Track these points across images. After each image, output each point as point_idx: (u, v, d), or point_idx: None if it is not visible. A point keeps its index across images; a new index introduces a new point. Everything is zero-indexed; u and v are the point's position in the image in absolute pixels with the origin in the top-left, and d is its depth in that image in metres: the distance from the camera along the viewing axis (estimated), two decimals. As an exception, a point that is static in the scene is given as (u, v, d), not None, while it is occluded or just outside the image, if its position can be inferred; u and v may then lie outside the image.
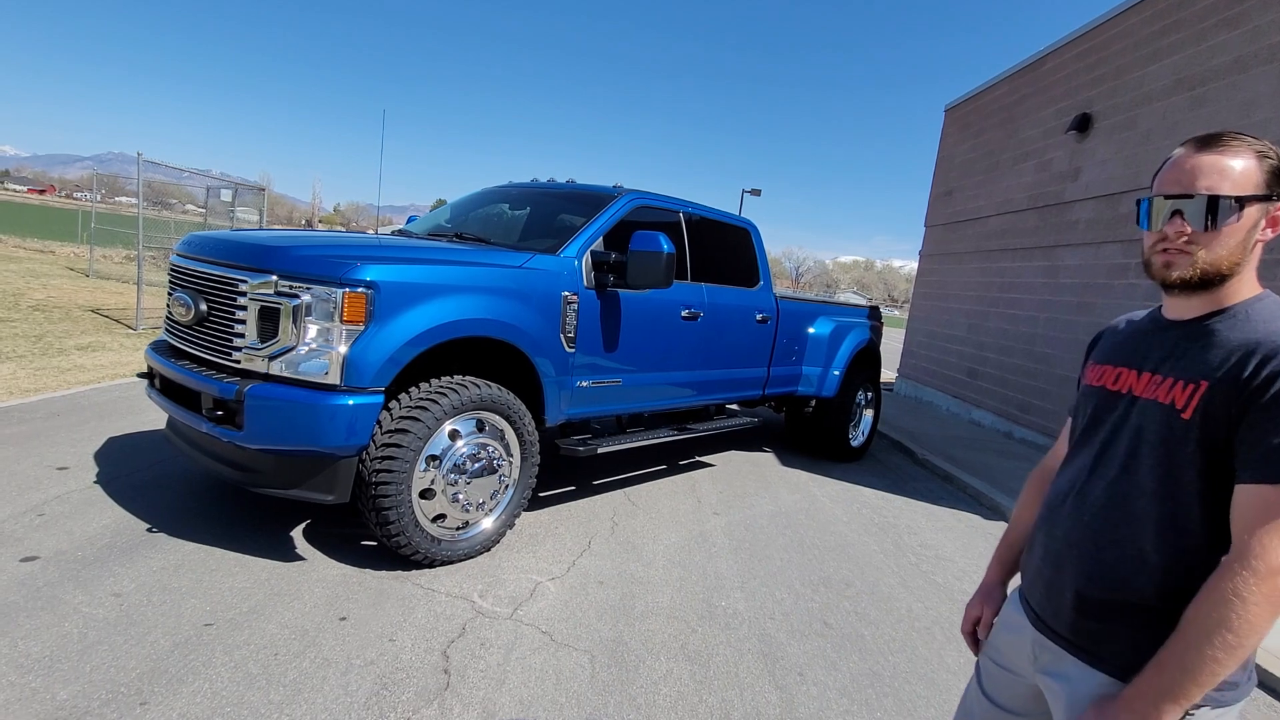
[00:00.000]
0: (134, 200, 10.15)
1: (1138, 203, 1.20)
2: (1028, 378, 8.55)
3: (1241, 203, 1.10)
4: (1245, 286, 1.14)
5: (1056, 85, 8.76)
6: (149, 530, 3.31)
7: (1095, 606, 1.17)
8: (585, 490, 4.73)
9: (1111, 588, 1.15)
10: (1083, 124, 7.95)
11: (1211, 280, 1.13)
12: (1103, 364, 1.29)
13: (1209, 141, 1.14)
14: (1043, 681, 1.27)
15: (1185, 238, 1.12)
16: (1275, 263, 5.36)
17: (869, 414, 6.94)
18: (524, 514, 4.01)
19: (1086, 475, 1.23)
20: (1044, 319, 8.35)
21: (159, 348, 3.56)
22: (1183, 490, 1.09)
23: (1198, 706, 1.06)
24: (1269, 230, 1.13)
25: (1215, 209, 1.10)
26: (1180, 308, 1.20)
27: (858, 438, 6.75)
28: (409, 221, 5.40)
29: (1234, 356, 1.06)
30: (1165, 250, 1.15)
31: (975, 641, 1.52)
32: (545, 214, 4.71)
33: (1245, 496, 1.02)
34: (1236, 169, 1.11)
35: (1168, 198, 1.14)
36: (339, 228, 41.13)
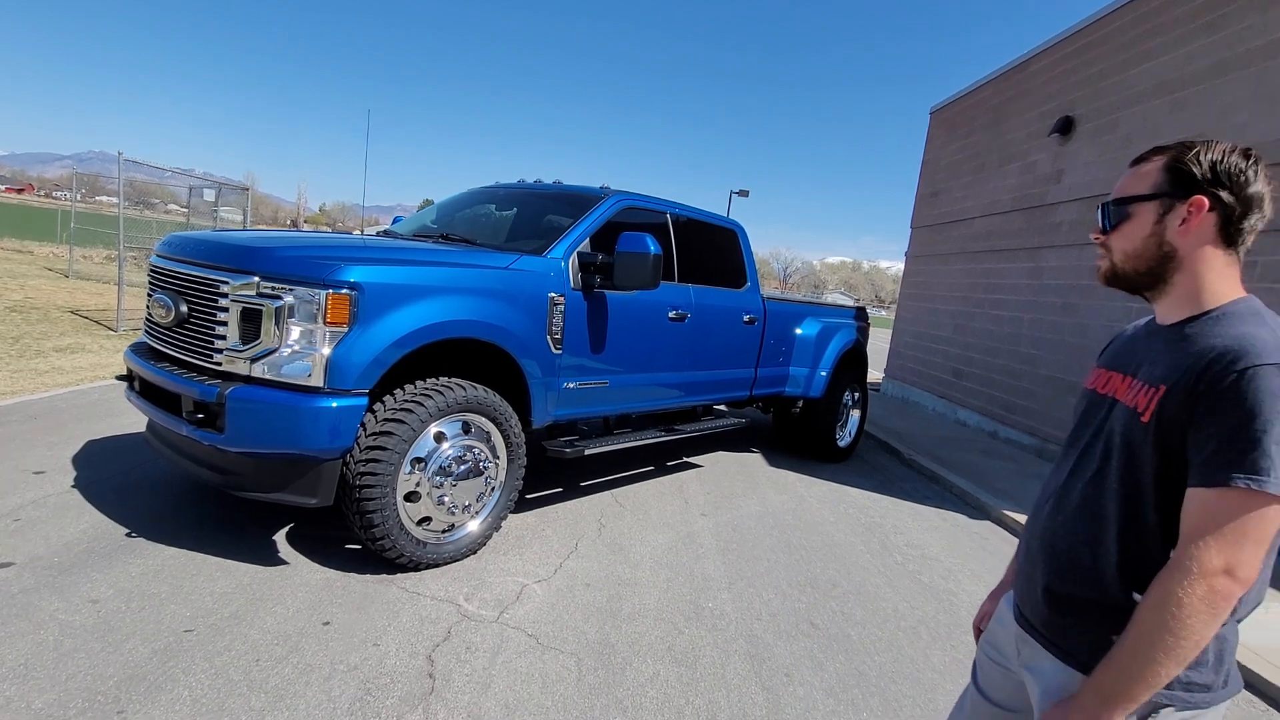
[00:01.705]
0: (115, 200, 10.03)
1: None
2: (1013, 378, 8.62)
3: (1127, 203, 1.19)
4: (1219, 288, 1.14)
5: (1041, 88, 8.85)
6: (128, 535, 3.26)
7: (1065, 603, 1.19)
8: (573, 492, 4.71)
9: (1079, 585, 1.17)
10: (1066, 127, 8.03)
11: (1130, 279, 1.22)
12: (1100, 368, 1.32)
13: (1138, 159, 1.22)
14: (1024, 675, 1.30)
15: (1100, 240, 1.25)
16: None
17: (856, 414, 6.97)
18: (511, 516, 3.99)
19: (1067, 476, 1.26)
20: (1029, 320, 8.42)
21: (139, 350, 3.51)
22: (1142, 493, 1.11)
23: (1162, 707, 1.08)
24: (1185, 227, 1.14)
25: (1108, 212, 1.22)
26: (1162, 312, 1.22)
27: (845, 438, 6.78)
28: (395, 222, 5.36)
29: (1191, 362, 1.07)
30: (1097, 253, 1.27)
31: (979, 635, 1.54)
32: (532, 215, 4.69)
33: (1189, 500, 1.04)
34: (1140, 176, 1.19)
35: (1100, 205, 1.26)
36: (325, 228, 40.80)
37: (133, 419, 4.97)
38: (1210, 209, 1.12)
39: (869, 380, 7.73)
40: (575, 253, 3.95)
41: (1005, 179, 9.41)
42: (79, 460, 4.16)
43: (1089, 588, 1.16)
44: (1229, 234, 1.14)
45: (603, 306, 4.05)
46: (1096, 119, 7.63)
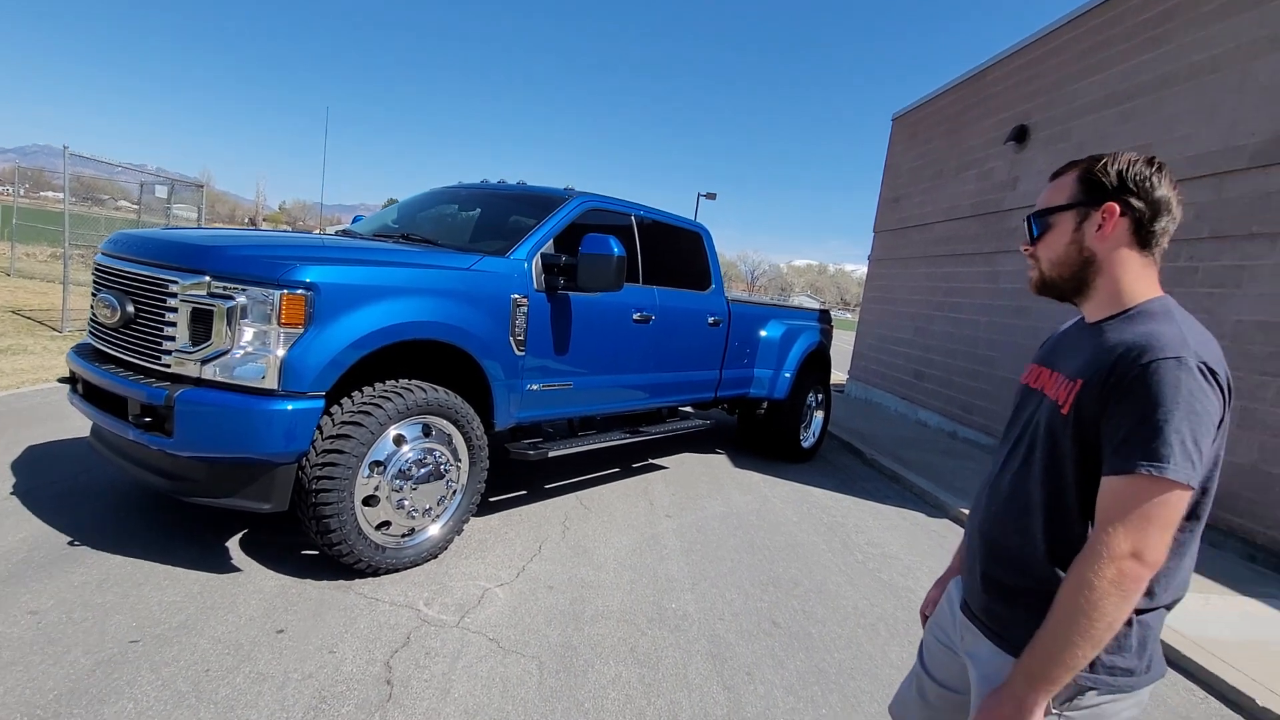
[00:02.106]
0: (60, 195, 9.66)
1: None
2: (971, 379, 8.83)
3: (1049, 213, 1.27)
4: (1136, 288, 1.21)
5: (997, 97, 9.09)
6: (70, 543, 3.14)
7: (999, 590, 1.26)
8: (537, 494, 4.68)
9: (1011, 572, 1.24)
10: (1020, 135, 8.26)
11: (1057, 285, 1.29)
12: (1033, 364, 1.39)
13: (1056, 173, 1.32)
14: (966, 661, 1.35)
15: (1029, 251, 1.33)
16: (1236, 268, 5.67)
17: (820, 415, 7.06)
18: (473, 519, 3.95)
19: (1000, 468, 1.34)
20: (985, 322, 8.64)
21: (82, 351, 3.38)
22: (1064, 482, 1.17)
23: (1087, 689, 1.13)
24: (1101, 232, 1.22)
25: (1033, 224, 1.30)
26: (1088, 313, 1.29)
27: (809, 439, 6.86)
28: (355, 221, 5.27)
29: (1103, 357, 1.13)
30: (1028, 264, 1.35)
31: (926, 621, 1.61)
32: (495, 215, 4.66)
33: (1102, 488, 1.10)
34: (1058, 188, 1.28)
35: (1026, 217, 1.34)
36: (284, 227, 39.89)
37: (76, 423, 4.78)
38: (1122, 214, 1.20)
39: (833, 382, 7.84)
40: (539, 254, 3.93)
41: (963, 185, 9.65)
42: (18, 466, 3.99)
43: (1021, 575, 1.21)
44: (1142, 237, 1.21)
45: (566, 308, 4.04)
46: (1050, 128, 7.87)
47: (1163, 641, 3.57)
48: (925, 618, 1.61)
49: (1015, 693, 1.10)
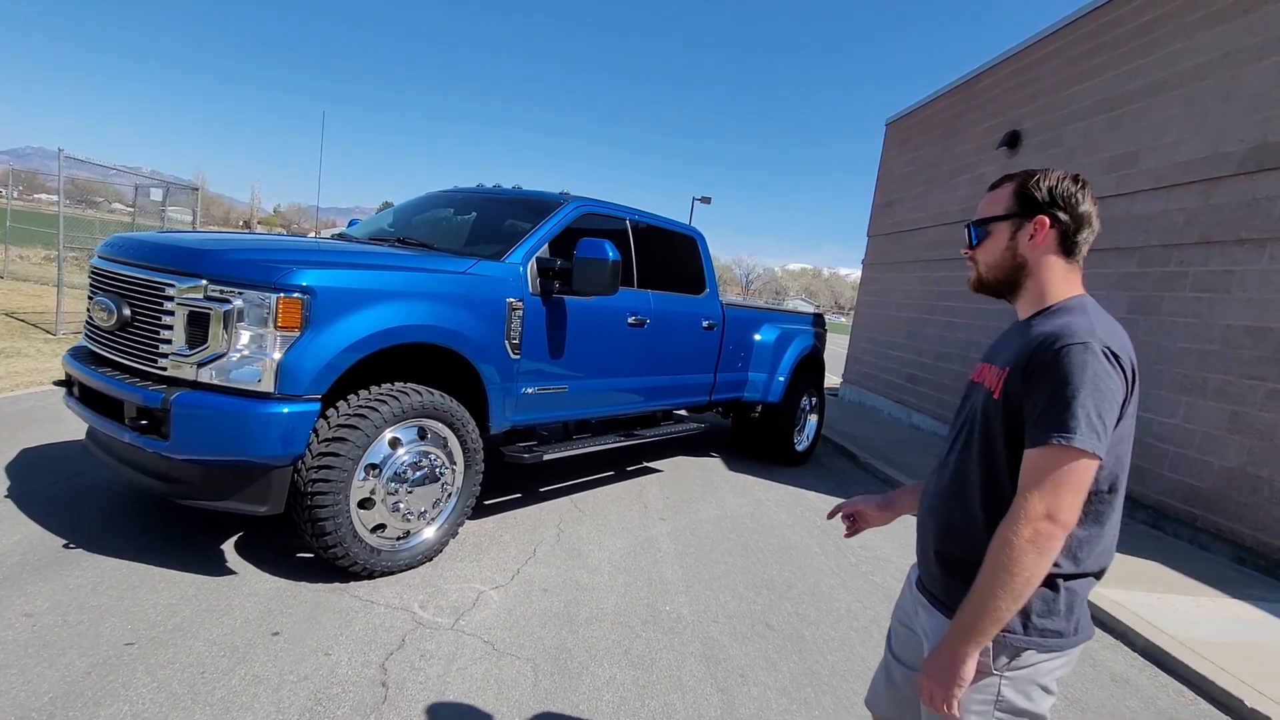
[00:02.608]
0: (54, 197, 9.64)
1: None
2: (963, 383, 8.87)
3: (988, 222, 1.41)
4: (1060, 288, 1.36)
5: (990, 103, 9.16)
6: (66, 546, 3.14)
7: (948, 564, 1.36)
8: (531, 497, 4.70)
9: (957, 546, 1.35)
10: (1013, 140, 8.33)
11: (992, 285, 1.44)
12: (979, 361, 1.52)
13: (993, 185, 1.45)
14: (921, 638, 1.46)
15: (969, 255, 1.46)
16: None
17: (813, 419, 7.09)
18: (468, 522, 3.96)
19: (946, 452, 1.47)
20: (977, 326, 8.69)
21: (78, 354, 3.39)
22: (997, 459, 1.30)
23: (1023, 650, 1.26)
24: (1034, 240, 1.36)
25: (974, 231, 1.44)
26: (1019, 311, 1.43)
27: (802, 442, 6.89)
28: (350, 225, 5.28)
29: (1026, 346, 1.27)
30: (968, 265, 1.48)
31: (850, 525, 1.77)
32: (491, 219, 4.68)
33: (1024, 460, 1.23)
34: (996, 200, 1.42)
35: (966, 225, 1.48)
36: (279, 230, 39.80)
37: (72, 426, 4.78)
38: (1051, 225, 1.35)
39: (827, 385, 7.87)
40: (534, 258, 3.95)
41: (956, 190, 9.71)
42: (13, 469, 3.99)
43: (966, 548, 1.32)
44: (1067, 246, 1.36)
45: (561, 312, 4.06)
46: (1042, 134, 7.93)
47: (1154, 643, 3.59)
48: (840, 515, 1.77)
49: (950, 645, 1.23)
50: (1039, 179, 1.36)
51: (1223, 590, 4.42)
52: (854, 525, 1.77)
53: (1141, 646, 3.60)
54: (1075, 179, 1.35)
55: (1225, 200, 5.48)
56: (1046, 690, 1.29)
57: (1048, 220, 1.34)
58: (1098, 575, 1.31)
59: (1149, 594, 4.19)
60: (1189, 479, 5.54)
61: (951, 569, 1.35)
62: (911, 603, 1.52)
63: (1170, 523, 5.67)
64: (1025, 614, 1.24)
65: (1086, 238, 1.36)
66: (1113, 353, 1.20)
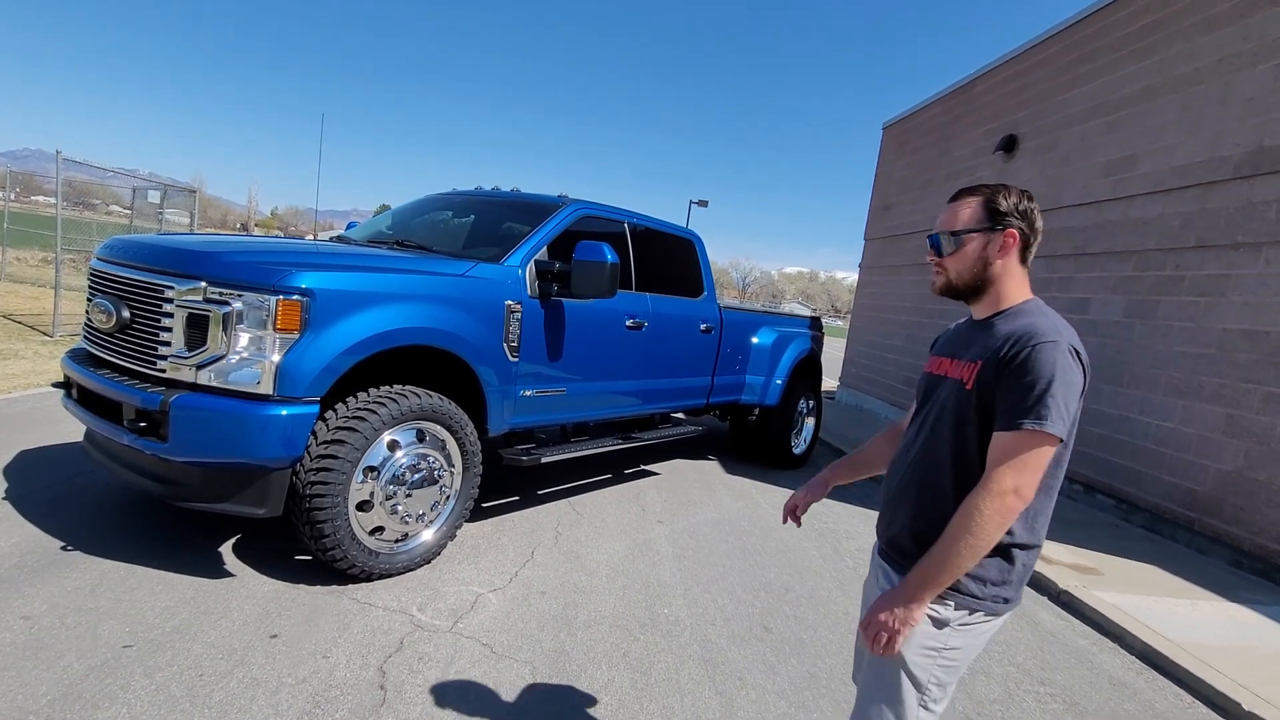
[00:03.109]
0: (52, 200, 9.62)
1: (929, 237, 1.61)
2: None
3: (959, 236, 1.54)
4: (1016, 293, 1.53)
5: (986, 107, 9.19)
6: (63, 548, 3.13)
7: (926, 542, 1.45)
8: (529, 500, 4.70)
9: (929, 521, 1.46)
10: (1009, 145, 8.36)
11: (960, 290, 1.57)
12: (934, 355, 1.66)
13: (956, 195, 1.59)
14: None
15: (936, 262, 1.59)
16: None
17: (811, 422, 7.10)
18: (466, 525, 3.96)
19: (913, 438, 1.60)
20: (975, 330, 8.70)
21: (77, 356, 3.39)
22: (967, 443, 1.45)
23: (976, 609, 1.43)
24: (1002, 251, 1.51)
25: (945, 240, 1.56)
26: (977, 311, 1.59)
27: (800, 445, 6.90)
28: (349, 227, 5.28)
29: (997, 343, 1.43)
30: (933, 271, 1.61)
31: (794, 517, 1.92)
32: (489, 222, 4.68)
33: (994, 442, 1.39)
34: (963, 212, 1.55)
35: (928, 235, 1.61)
36: (277, 233, 39.78)
37: (70, 428, 4.77)
38: (1018, 238, 1.51)
39: (824, 388, 7.88)
40: (533, 261, 3.96)
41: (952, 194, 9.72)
42: (11, 471, 3.98)
43: (932, 523, 1.44)
44: (1023, 254, 1.54)
45: (560, 314, 4.07)
46: (1038, 138, 7.96)
47: (1152, 646, 3.60)
48: (789, 513, 1.91)
49: (908, 590, 1.40)
50: (1003, 194, 1.52)
51: (1220, 593, 4.43)
52: (797, 513, 1.92)
53: (1139, 650, 3.61)
54: (1028, 195, 1.53)
55: (1221, 204, 5.51)
56: (976, 647, 1.49)
57: (1017, 234, 1.50)
58: (1039, 548, 1.49)
59: (1146, 597, 4.20)
60: (1186, 482, 5.55)
61: (918, 540, 1.48)
62: (886, 582, 1.60)
63: (1167, 526, 5.68)
64: (983, 580, 1.42)
65: (1035, 247, 1.55)
66: (1075, 350, 1.38)
